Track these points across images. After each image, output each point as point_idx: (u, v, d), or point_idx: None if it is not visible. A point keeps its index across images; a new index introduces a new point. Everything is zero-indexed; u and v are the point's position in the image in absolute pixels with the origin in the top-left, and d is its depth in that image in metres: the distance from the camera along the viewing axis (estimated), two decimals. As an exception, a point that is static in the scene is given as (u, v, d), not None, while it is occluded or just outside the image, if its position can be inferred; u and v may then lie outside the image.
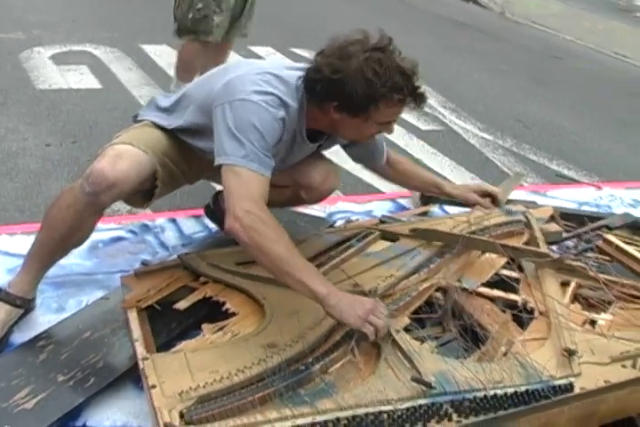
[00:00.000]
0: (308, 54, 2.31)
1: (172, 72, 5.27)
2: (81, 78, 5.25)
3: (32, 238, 2.42)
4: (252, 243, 2.05)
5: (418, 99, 2.27)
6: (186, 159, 2.51)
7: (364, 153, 2.82)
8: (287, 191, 2.72)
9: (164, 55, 5.99)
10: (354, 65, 2.17)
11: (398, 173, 2.92)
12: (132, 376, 2.16)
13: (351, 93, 2.18)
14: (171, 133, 2.48)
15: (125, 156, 2.28)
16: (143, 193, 2.45)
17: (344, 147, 2.79)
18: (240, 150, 2.15)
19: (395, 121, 2.39)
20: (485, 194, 3.00)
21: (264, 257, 2.05)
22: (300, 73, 2.32)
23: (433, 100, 5.79)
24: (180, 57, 4.19)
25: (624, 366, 1.98)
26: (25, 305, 2.39)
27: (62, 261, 2.50)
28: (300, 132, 2.40)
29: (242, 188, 2.12)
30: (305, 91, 2.30)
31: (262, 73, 2.31)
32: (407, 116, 5.21)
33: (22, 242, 2.77)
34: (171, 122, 2.48)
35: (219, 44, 4.19)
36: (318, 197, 2.84)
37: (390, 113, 2.29)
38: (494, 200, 3.00)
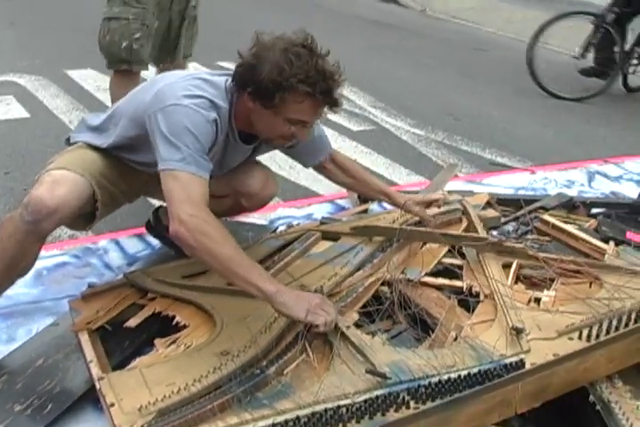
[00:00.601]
0: (234, 66, 2.33)
1: (99, 95, 5.26)
2: (8, 109, 5.20)
3: (-26, 272, 2.40)
4: (199, 246, 2.06)
5: (330, 101, 2.26)
6: (123, 177, 2.51)
7: (299, 153, 2.76)
8: (227, 201, 2.74)
9: (90, 79, 5.96)
10: (273, 53, 2.18)
11: (347, 177, 2.86)
12: (89, 399, 2.16)
13: (261, 78, 2.18)
14: (106, 152, 2.47)
15: (62, 181, 2.27)
16: (84, 216, 2.44)
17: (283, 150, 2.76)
18: (176, 154, 2.16)
19: (309, 125, 2.36)
20: (430, 203, 3.00)
21: (212, 259, 2.07)
22: (227, 77, 2.35)
23: (362, 101, 5.84)
24: (113, 92, 4.07)
25: (571, 339, 2.03)
26: (-26, 339, 2.38)
27: (8, 292, 2.49)
28: (232, 133, 2.41)
29: (182, 191, 2.13)
30: (232, 81, 2.31)
31: (191, 79, 2.33)
32: (337, 117, 5.25)
33: (-35, 276, 2.74)
34: (104, 140, 2.47)
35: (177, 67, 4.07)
36: (259, 204, 2.86)
37: (299, 109, 2.24)
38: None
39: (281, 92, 2.18)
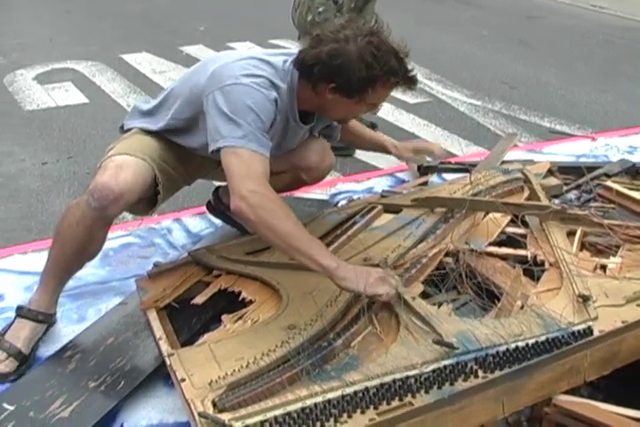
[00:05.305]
0: (286, 44, 2.33)
1: (155, 78, 5.29)
2: (67, 95, 5.29)
3: (43, 255, 2.46)
4: (260, 221, 2.06)
5: (410, 81, 2.35)
6: (180, 161, 2.52)
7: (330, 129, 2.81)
8: (287, 176, 2.74)
9: (145, 62, 6.02)
10: (353, 49, 2.20)
11: (346, 135, 2.89)
12: (160, 375, 2.21)
13: (351, 76, 2.21)
14: (160, 137, 2.49)
15: (125, 166, 2.29)
16: (146, 201, 2.47)
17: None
18: (237, 131, 2.16)
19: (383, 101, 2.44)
20: (420, 150, 2.99)
21: (273, 234, 2.07)
22: (284, 57, 2.35)
23: (417, 73, 5.79)
24: None
25: (639, 305, 2.01)
26: (47, 320, 2.43)
27: (77, 273, 2.53)
28: (293, 114, 2.42)
29: (243, 168, 2.14)
30: (300, 74, 2.31)
31: (247, 58, 2.33)
32: (394, 91, 5.22)
33: (34, 260, 2.82)
34: (157, 124, 2.49)
35: None
36: (319, 177, 2.87)
37: (384, 94, 2.35)
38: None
39: (372, 86, 2.25)
